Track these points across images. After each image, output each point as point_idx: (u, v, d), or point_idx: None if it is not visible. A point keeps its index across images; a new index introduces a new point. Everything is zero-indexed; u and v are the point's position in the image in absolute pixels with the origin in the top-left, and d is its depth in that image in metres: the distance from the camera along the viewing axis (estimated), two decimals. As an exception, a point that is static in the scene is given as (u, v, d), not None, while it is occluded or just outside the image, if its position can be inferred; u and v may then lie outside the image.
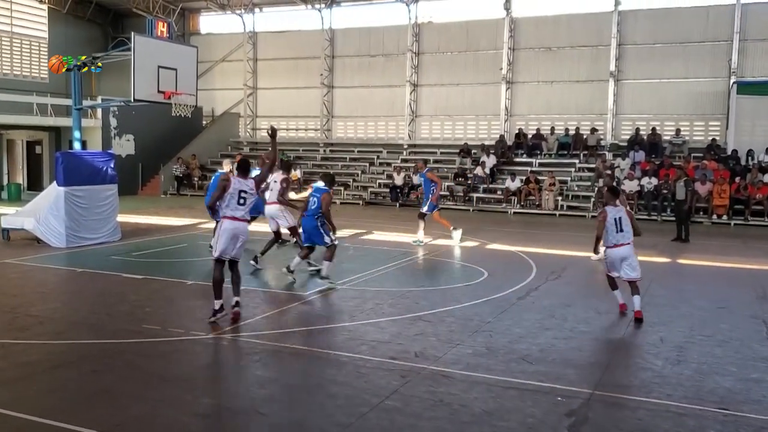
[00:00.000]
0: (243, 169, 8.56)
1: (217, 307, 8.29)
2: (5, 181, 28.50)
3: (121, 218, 15.81)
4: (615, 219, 9.05)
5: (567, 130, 27.42)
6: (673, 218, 18.67)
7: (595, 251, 9.74)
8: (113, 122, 29.47)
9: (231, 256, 8.43)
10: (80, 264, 12.39)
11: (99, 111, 28.90)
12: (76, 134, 15.42)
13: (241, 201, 8.31)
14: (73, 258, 13.10)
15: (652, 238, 18.13)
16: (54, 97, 28.80)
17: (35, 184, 29.12)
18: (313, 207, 10.53)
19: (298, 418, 5.56)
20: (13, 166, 30.62)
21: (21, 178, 30.28)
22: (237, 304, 8.46)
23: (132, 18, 34.12)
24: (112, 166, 15.42)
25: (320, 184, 10.76)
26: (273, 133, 9.23)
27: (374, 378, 6.55)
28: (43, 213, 14.28)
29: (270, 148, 9.33)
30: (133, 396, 5.98)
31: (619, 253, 9.03)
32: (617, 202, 9.44)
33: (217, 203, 8.37)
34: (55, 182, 14.72)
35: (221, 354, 7.23)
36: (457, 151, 28.44)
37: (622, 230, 9.01)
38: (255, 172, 13.60)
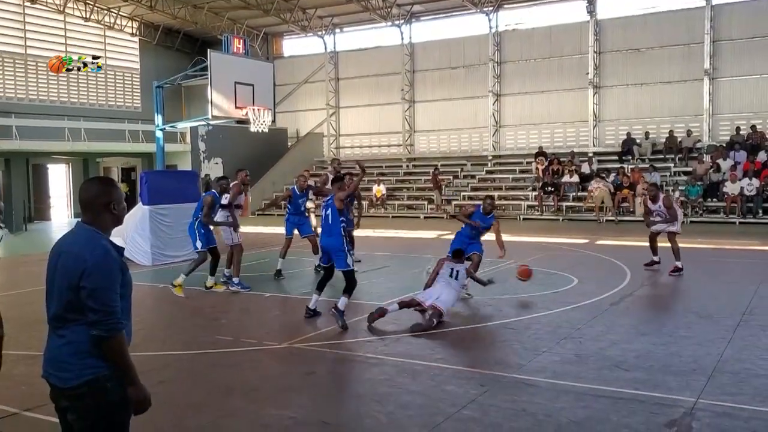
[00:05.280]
0: None
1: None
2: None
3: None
4: None
5: (668, 133, 26.05)
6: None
7: None
8: (202, 146, 30.24)
9: None
10: (163, 280, 12.45)
11: (188, 136, 29.71)
12: (159, 153, 15.68)
13: None
14: (157, 275, 13.23)
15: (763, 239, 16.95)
16: (144, 124, 29.78)
17: (130, 209, 30.14)
18: None
19: (365, 428, 5.16)
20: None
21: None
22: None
23: (218, 45, 35.00)
24: (196, 184, 15.61)
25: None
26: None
27: (451, 387, 6.08)
28: (129, 232, 14.54)
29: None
30: (196, 406, 5.75)
31: None
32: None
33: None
34: (140, 202, 15.00)
35: (292, 364, 6.92)
36: (547, 161, 27.19)
37: None
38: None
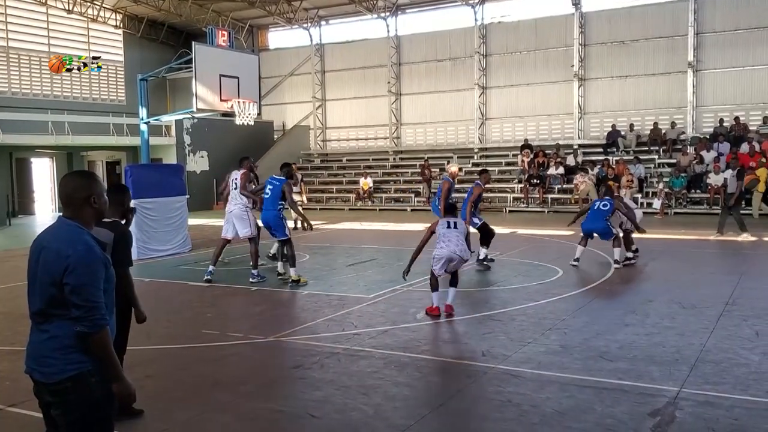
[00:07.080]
0: None
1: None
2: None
3: (194, 231, 15.87)
4: None
5: (653, 125, 26.20)
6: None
7: None
8: (187, 139, 30.07)
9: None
10: (148, 274, 12.42)
11: (173, 129, 29.53)
12: (144, 147, 15.58)
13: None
14: (142, 269, 13.14)
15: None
16: (129, 117, 29.54)
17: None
18: None
19: (351, 420, 5.17)
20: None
21: (102, 198, 31.20)
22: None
23: (203, 38, 34.76)
24: (181, 178, 15.52)
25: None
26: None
27: (437, 379, 6.12)
28: (114, 226, 14.44)
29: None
30: (183, 400, 5.75)
31: None
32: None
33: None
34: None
35: (278, 357, 6.93)
36: (533, 154, 27.25)
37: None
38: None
